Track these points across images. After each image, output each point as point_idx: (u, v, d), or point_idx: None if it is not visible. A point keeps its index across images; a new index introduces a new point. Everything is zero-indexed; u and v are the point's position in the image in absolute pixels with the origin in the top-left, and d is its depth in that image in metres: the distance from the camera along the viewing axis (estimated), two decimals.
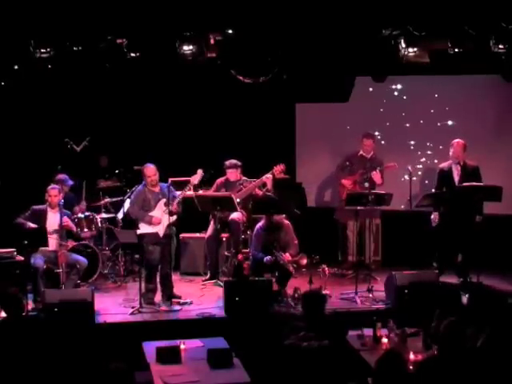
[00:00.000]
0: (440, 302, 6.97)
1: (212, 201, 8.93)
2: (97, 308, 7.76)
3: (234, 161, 9.37)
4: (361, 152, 9.99)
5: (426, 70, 9.47)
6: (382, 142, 10.46)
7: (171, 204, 8.34)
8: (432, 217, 8.90)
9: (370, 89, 10.60)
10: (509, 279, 9.18)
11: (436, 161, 9.39)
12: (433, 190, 9.16)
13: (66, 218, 8.43)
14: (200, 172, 8.64)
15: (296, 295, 8.14)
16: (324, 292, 8.52)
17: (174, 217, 8.45)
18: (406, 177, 9.40)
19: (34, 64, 8.88)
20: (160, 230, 8.39)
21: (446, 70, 9.78)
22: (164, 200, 8.43)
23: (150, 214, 8.43)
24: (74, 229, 8.66)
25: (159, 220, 8.40)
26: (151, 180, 8.47)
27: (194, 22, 8.63)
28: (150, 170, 8.48)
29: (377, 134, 10.38)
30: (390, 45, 8.90)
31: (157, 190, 8.52)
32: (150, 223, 8.40)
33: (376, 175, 9.56)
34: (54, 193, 8.43)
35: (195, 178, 8.61)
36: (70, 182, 9.36)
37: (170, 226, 8.41)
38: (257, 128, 10.68)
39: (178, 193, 8.57)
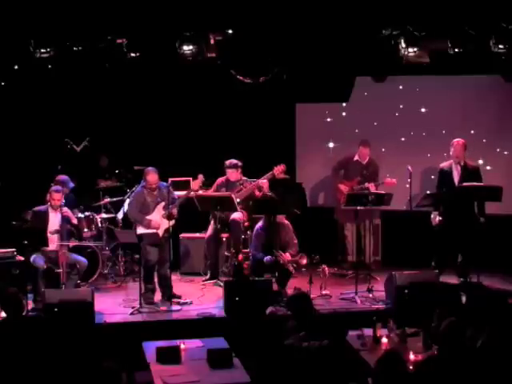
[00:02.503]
0: (440, 302, 6.96)
1: (212, 201, 8.94)
2: (97, 308, 7.75)
3: (234, 161, 9.36)
4: (356, 157, 10.00)
5: (426, 70, 9.46)
6: (382, 142, 10.45)
7: (171, 208, 8.36)
8: (432, 216, 8.90)
9: (370, 89, 10.60)
10: (509, 279, 9.18)
11: (436, 161, 9.38)
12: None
13: (65, 209, 8.43)
14: (201, 177, 8.69)
15: None
16: (324, 292, 8.57)
17: (173, 221, 8.47)
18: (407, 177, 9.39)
19: (34, 64, 8.88)
20: (159, 233, 8.40)
21: (446, 70, 9.78)
22: (163, 203, 8.44)
23: (149, 217, 8.45)
24: (75, 220, 8.63)
25: (158, 224, 8.42)
26: (151, 186, 8.49)
27: (194, 21, 8.63)
28: (152, 176, 8.47)
29: (376, 133, 10.37)
30: (390, 45, 8.90)
31: (155, 192, 8.53)
32: (148, 227, 8.41)
33: (372, 188, 9.55)
34: (58, 197, 8.39)
35: (196, 184, 8.64)
36: (71, 184, 9.33)
37: (168, 229, 8.43)
38: (257, 128, 10.67)
39: (177, 193, 8.57)
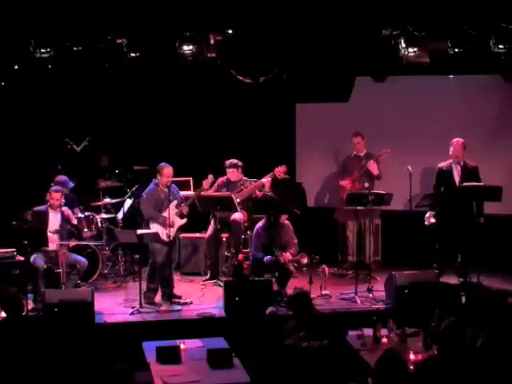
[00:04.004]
0: (440, 302, 6.96)
1: (212, 201, 8.94)
2: (97, 308, 7.75)
3: (234, 160, 9.36)
4: (354, 152, 10.08)
5: (426, 70, 9.46)
6: (382, 142, 10.44)
7: (182, 206, 8.41)
8: (427, 215, 8.90)
9: (370, 89, 10.59)
10: (509, 279, 9.18)
11: (436, 161, 9.38)
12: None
13: (65, 208, 8.45)
14: (210, 177, 8.74)
15: None
16: (324, 292, 8.57)
17: (185, 219, 8.49)
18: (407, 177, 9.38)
19: (34, 64, 8.88)
20: (172, 231, 8.40)
21: (446, 70, 9.78)
22: (175, 202, 8.44)
23: (163, 214, 8.44)
24: (75, 221, 8.64)
25: (172, 222, 8.40)
26: (167, 181, 8.43)
27: (194, 21, 8.63)
28: (169, 171, 8.45)
29: (376, 133, 10.36)
30: (390, 45, 8.90)
31: (166, 190, 8.51)
32: (163, 224, 8.39)
33: (372, 165, 9.65)
34: (57, 197, 8.41)
35: (207, 183, 8.67)
36: (71, 185, 9.34)
37: (179, 228, 8.45)
38: (257, 128, 10.68)
39: (185, 193, 8.61)
